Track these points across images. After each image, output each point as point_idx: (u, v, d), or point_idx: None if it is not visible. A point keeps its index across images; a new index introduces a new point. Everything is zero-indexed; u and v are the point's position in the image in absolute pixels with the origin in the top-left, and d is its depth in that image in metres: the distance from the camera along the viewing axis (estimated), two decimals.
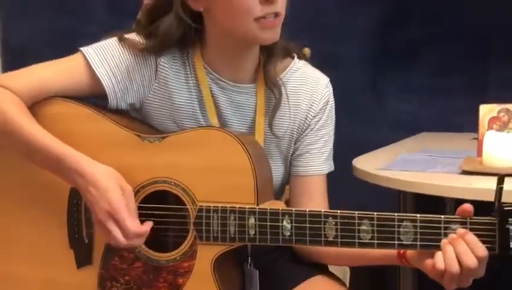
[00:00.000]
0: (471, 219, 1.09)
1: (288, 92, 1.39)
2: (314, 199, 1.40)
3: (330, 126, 1.45)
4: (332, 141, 1.46)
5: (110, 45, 1.35)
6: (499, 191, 1.06)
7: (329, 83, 1.46)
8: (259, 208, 1.20)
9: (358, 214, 1.14)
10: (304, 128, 1.41)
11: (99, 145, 1.30)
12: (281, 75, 1.40)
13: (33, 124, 1.27)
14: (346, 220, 1.15)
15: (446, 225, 1.09)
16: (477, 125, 1.76)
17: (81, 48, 1.35)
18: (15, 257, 1.36)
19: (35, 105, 1.32)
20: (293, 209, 1.20)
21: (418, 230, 1.11)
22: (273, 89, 1.38)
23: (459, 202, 1.24)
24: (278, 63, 1.39)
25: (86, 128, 1.32)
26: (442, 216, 1.10)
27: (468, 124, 2.46)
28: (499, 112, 1.74)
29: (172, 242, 1.27)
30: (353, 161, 1.90)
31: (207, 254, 1.23)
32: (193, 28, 1.33)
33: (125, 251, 1.27)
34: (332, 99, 1.45)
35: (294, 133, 1.41)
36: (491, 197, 1.51)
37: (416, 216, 1.11)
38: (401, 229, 1.11)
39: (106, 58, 1.33)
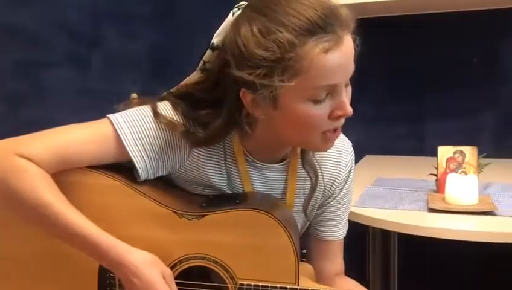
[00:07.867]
0: None
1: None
2: (334, 260, 1.48)
3: (351, 192, 1.48)
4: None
5: (144, 120, 1.24)
6: None
7: (352, 147, 1.45)
8: (300, 288, 1.24)
9: None
10: (328, 196, 1.43)
11: (134, 220, 1.27)
12: None
13: (68, 207, 1.18)
14: None
15: None
16: (436, 164, 1.95)
17: (110, 117, 1.24)
18: None
19: (63, 172, 1.22)
20: None
21: None
22: (309, 171, 1.36)
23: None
24: None
25: (118, 202, 1.27)
26: None
27: (405, 148, 2.69)
28: (455, 153, 1.93)
29: None
30: None
31: None
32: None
33: None
34: (354, 165, 1.46)
35: (318, 200, 1.43)
36: (455, 236, 1.71)
37: None
38: None
39: (140, 137, 1.23)
